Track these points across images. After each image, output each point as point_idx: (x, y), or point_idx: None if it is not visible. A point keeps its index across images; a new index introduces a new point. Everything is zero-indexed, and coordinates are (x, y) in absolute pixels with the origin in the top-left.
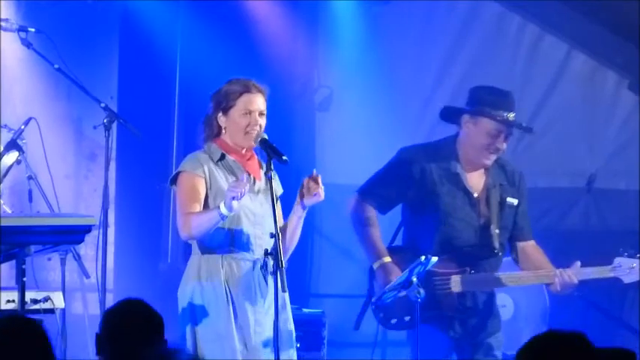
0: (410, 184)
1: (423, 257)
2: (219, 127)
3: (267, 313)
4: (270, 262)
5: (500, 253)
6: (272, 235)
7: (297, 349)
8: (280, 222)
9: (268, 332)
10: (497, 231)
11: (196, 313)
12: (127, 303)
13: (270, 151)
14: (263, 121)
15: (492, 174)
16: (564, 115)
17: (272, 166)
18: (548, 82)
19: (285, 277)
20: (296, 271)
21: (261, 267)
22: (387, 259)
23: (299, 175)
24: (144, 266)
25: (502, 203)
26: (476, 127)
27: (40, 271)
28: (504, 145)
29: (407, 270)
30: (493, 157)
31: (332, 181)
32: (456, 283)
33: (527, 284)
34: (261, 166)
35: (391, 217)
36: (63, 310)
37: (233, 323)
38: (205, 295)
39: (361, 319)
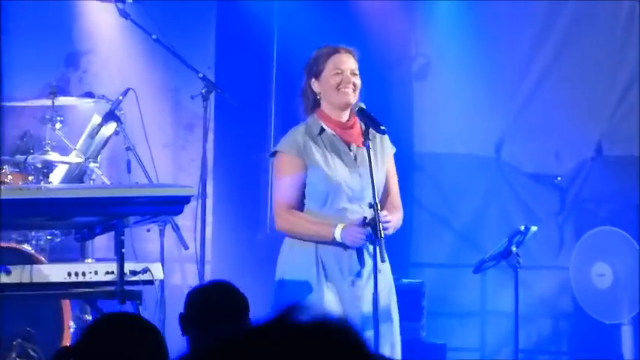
0: None
1: (522, 226)
2: (315, 95)
3: (366, 285)
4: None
5: None
6: (370, 206)
7: None
8: (394, 182)
9: (368, 306)
10: None
11: (286, 288)
12: (211, 284)
13: (367, 120)
14: (357, 81)
15: None
16: None
17: (370, 136)
18: None
19: (384, 247)
20: (396, 241)
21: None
22: None
23: (397, 145)
24: (242, 237)
25: None
26: None
27: (139, 243)
28: None
29: (506, 239)
30: None
31: (430, 150)
32: None
33: None
34: (363, 133)
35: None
36: (162, 282)
37: (326, 295)
38: (298, 271)
39: None
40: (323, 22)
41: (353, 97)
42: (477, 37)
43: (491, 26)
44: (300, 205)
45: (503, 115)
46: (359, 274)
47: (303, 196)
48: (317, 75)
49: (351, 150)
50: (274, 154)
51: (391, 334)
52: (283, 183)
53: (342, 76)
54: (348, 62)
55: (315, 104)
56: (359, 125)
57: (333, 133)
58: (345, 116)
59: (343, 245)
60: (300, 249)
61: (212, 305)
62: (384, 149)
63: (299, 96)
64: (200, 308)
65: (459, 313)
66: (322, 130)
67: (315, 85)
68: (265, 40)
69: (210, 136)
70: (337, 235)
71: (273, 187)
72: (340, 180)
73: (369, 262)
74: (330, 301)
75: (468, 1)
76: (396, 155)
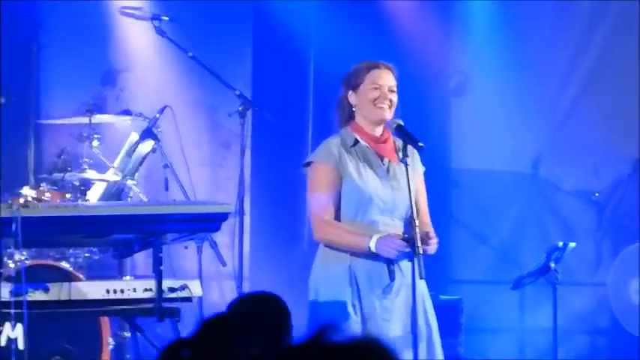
0: None
1: (560, 243)
2: (350, 107)
3: (396, 296)
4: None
5: None
6: (408, 222)
7: None
8: (424, 200)
9: (396, 321)
10: None
11: (319, 302)
12: (250, 296)
13: (405, 137)
14: (394, 97)
15: None
16: None
17: (408, 153)
18: None
19: (422, 263)
20: (433, 257)
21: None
22: None
23: (434, 161)
24: (280, 253)
25: None
26: None
27: (177, 260)
28: None
29: (544, 255)
30: None
31: (468, 166)
32: None
33: None
34: (396, 148)
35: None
36: (200, 299)
37: (357, 311)
38: (329, 283)
39: None
40: (360, 39)
41: (388, 114)
42: (514, 53)
43: (529, 43)
44: (336, 215)
45: (540, 132)
46: (388, 289)
47: (339, 205)
48: (355, 88)
49: (383, 163)
50: (308, 164)
51: (431, 350)
52: (320, 193)
53: (380, 92)
54: (387, 78)
55: (350, 117)
56: (392, 141)
57: (367, 145)
58: (378, 131)
59: (376, 259)
60: (334, 264)
61: (251, 316)
62: (415, 167)
63: (334, 107)
64: (238, 320)
65: (497, 330)
66: (356, 141)
67: (352, 97)
68: (302, 57)
69: (248, 153)
70: (372, 245)
71: (310, 197)
72: (372, 192)
73: (399, 277)
74: (360, 318)
75: (504, 18)
76: (433, 172)
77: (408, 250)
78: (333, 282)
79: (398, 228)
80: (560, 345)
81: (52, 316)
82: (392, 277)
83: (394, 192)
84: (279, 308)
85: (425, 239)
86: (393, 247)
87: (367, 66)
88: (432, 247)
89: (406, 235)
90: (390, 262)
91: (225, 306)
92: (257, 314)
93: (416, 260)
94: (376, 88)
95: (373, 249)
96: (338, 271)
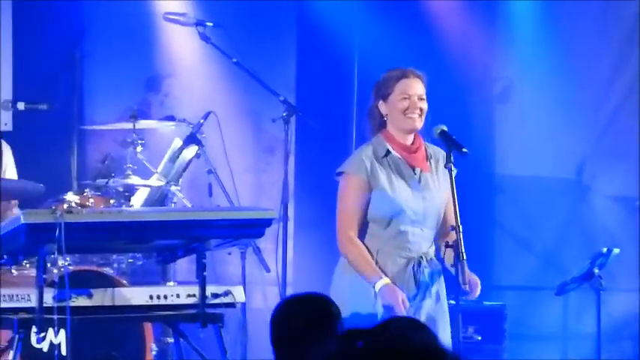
0: None
1: (604, 249)
2: (381, 116)
3: (418, 307)
4: (425, 261)
5: None
6: (452, 228)
7: (479, 342)
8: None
9: None
10: None
11: (344, 308)
12: (293, 298)
13: (450, 143)
14: (424, 105)
15: None
16: None
17: (452, 159)
18: None
19: (465, 269)
20: (477, 263)
21: (415, 265)
22: None
23: (478, 167)
24: (324, 259)
25: None
26: None
27: (221, 266)
28: None
29: (588, 261)
30: None
31: (511, 172)
32: None
33: None
34: (427, 156)
35: None
36: (243, 304)
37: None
38: (355, 289)
39: None
40: (405, 43)
41: (419, 123)
42: (557, 57)
43: (573, 45)
44: (364, 225)
45: (584, 138)
46: (412, 299)
47: (366, 217)
48: (385, 97)
49: (415, 174)
50: (340, 174)
51: None
52: (348, 206)
53: (410, 102)
54: (416, 87)
55: (382, 125)
56: (423, 149)
57: (399, 156)
58: (409, 140)
59: (402, 270)
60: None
61: (296, 320)
62: (446, 170)
63: (365, 115)
64: (284, 326)
65: (541, 336)
66: (388, 152)
67: (382, 107)
68: (346, 62)
69: (291, 158)
70: (377, 288)
71: (338, 208)
72: (403, 203)
73: (423, 286)
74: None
75: (548, 19)
76: (477, 177)
77: (405, 307)
78: (361, 291)
79: (428, 237)
80: (604, 351)
81: (95, 321)
82: (417, 288)
83: (425, 203)
84: (321, 307)
85: (470, 284)
86: (394, 301)
87: (397, 75)
88: (475, 293)
89: (427, 235)
90: (415, 272)
91: (268, 311)
92: (301, 318)
93: (460, 267)
94: (406, 98)
95: (377, 291)
96: (363, 281)
